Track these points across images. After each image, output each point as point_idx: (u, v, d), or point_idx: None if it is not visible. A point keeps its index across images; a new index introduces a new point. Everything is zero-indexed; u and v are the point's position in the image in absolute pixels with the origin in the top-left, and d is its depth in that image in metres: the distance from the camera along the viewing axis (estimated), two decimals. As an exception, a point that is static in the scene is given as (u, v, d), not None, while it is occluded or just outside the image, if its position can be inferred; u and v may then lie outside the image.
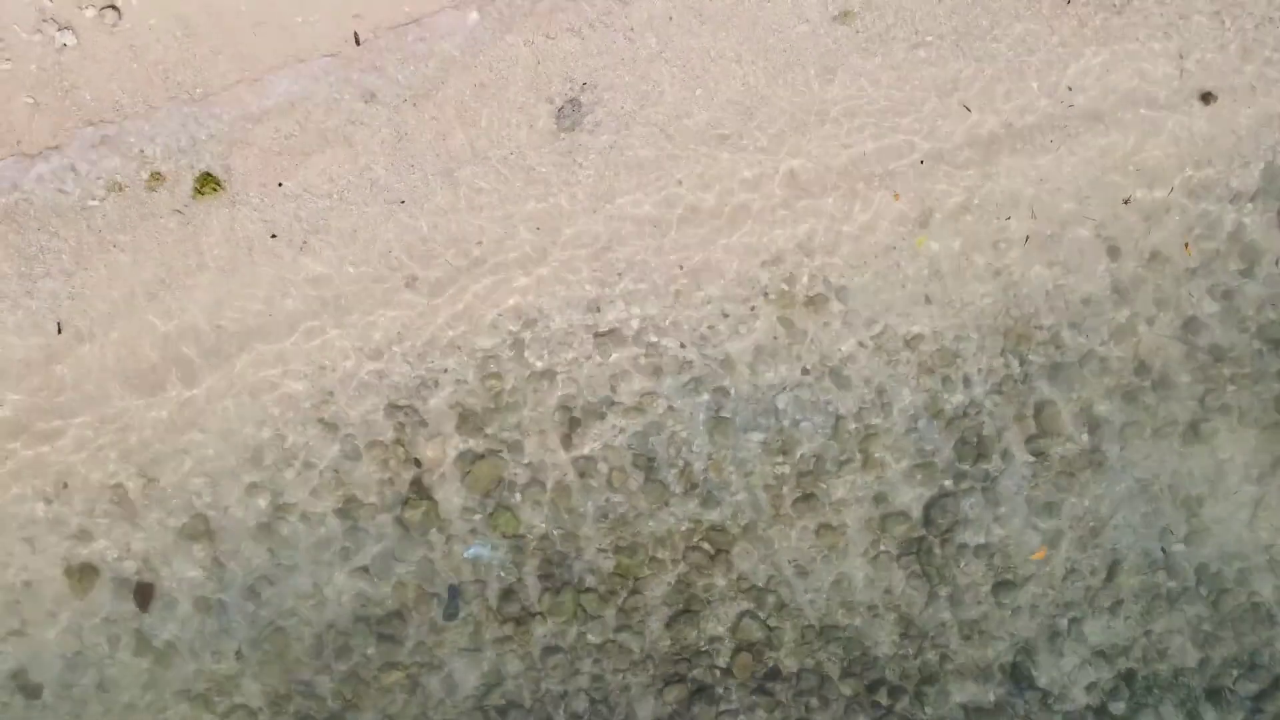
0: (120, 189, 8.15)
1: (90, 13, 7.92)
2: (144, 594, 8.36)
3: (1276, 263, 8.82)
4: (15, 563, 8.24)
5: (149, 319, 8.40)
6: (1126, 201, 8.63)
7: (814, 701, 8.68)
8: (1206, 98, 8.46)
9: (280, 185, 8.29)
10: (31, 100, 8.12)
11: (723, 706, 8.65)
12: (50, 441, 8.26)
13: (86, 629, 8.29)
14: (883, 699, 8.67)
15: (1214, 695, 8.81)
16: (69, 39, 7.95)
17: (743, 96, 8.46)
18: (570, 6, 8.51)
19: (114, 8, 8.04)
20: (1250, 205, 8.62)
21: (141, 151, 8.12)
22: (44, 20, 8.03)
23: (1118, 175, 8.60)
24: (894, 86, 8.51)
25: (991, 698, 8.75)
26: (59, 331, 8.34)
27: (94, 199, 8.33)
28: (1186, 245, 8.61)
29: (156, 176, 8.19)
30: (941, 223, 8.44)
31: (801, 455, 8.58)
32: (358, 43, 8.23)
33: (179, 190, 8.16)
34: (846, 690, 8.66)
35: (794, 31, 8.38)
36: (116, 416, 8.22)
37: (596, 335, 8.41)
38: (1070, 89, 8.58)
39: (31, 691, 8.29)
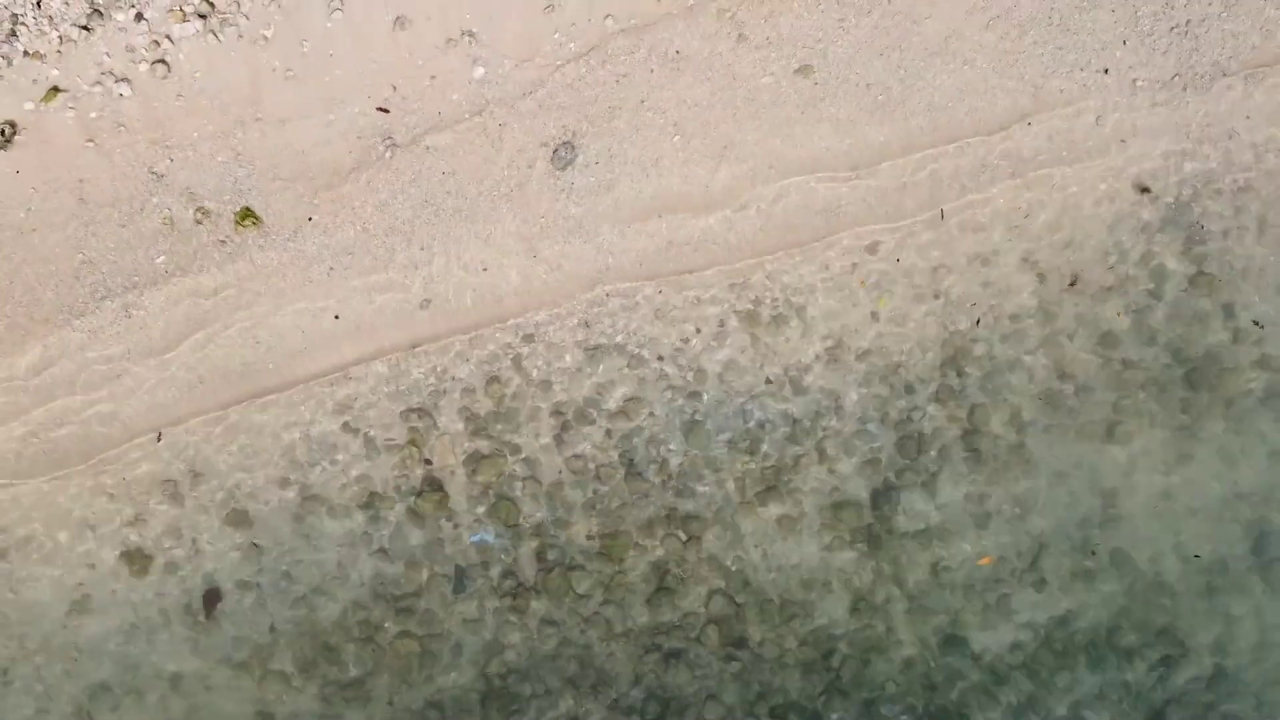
0: (171, 222, 8.83)
1: (144, 67, 8.64)
2: (210, 600, 9.10)
3: (1182, 289, 9.26)
4: (80, 547, 8.88)
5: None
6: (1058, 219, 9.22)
7: (774, 667, 9.30)
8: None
9: (310, 220, 9.02)
10: (92, 142, 8.79)
11: (695, 671, 9.27)
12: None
13: (140, 606, 8.89)
14: (835, 664, 9.30)
15: (1124, 659, 9.37)
16: (125, 90, 8.67)
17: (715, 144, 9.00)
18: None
19: (164, 62, 8.71)
20: (1160, 235, 9.21)
21: (189, 189, 8.81)
22: (103, 73, 8.73)
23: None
24: (846, 136, 8.96)
25: (931, 663, 9.33)
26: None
27: (150, 230, 8.90)
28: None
29: (203, 211, 8.85)
30: (889, 251, 9.00)
31: (765, 453, 9.23)
32: (385, 111, 8.80)
33: (222, 223, 8.83)
34: (803, 658, 9.30)
35: (759, 83, 8.99)
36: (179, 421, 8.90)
37: (586, 349, 9.02)
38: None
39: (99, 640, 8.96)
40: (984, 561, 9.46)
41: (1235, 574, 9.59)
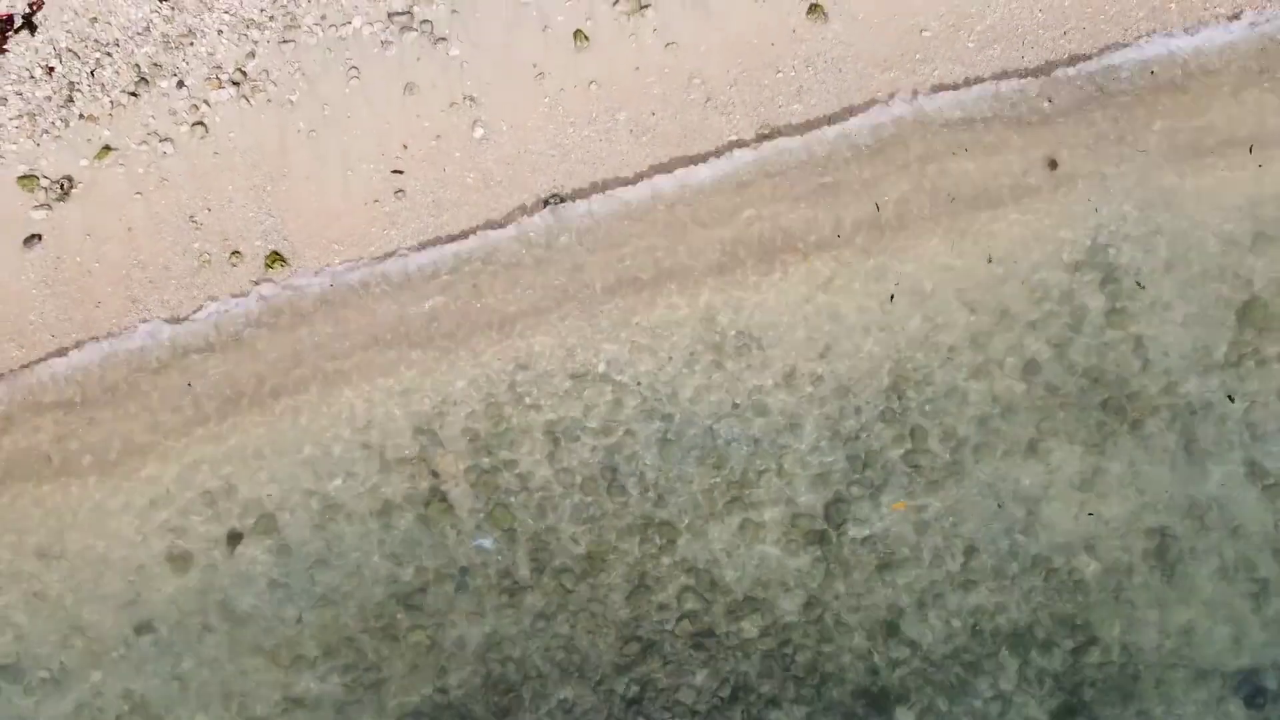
0: (210, 263, 9.23)
1: (185, 128, 9.11)
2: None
3: (1101, 327, 9.57)
4: (131, 551, 9.20)
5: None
6: (990, 260, 9.39)
7: (738, 654, 9.60)
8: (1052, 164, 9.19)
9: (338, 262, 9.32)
10: (140, 194, 9.17)
11: (667, 658, 9.58)
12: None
13: (183, 601, 9.23)
14: (790, 652, 9.57)
15: (1043, 648, 9.68)
16: (169, 148, 9.13)
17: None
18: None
19: (202, 124, 9.16)
20: (1081, 272, 9.55)
21: (224, 235, 9.23)
22: (149, 134, 9.17)
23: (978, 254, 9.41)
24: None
25: (875, 651, 9.62)
26: None
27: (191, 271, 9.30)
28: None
29: (236, 254, 9.31)
30: (840, 288, 9.33)
31: (730, 468, 9.56)
32: (399, 173, 9.13)
33: (253, 264, 9.28)
34: (763, 646, 9.60)
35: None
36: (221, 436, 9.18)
37: (572, 376, 9.42)
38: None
39: (145, 632, 9.14)
40: (897, 507, 9.61)
41: (1140, 575, 9.78)
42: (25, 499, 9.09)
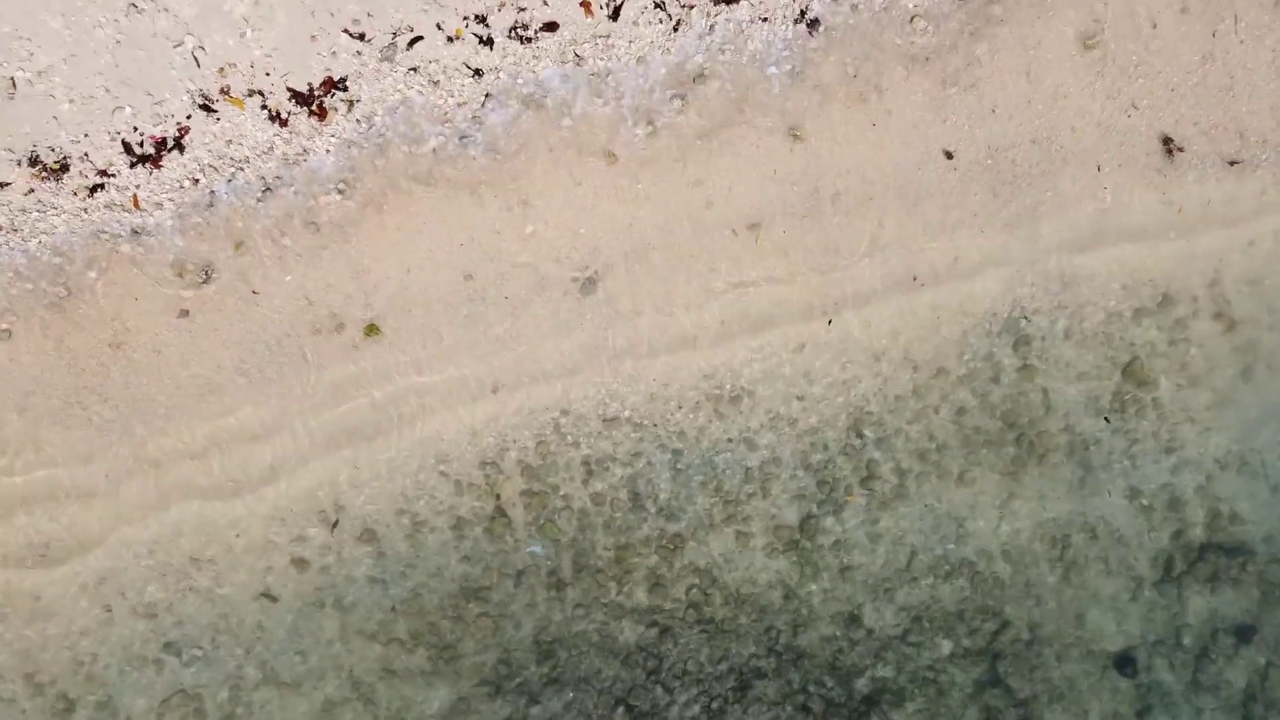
0: (319, 332, 9.81)
1: (299, 226, 9.50)
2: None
3: (1012, 376, 10.23)
4: (263, 555, 9.80)
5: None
6: (936, 327, 9.97)
7: (733, 636, 10.25)
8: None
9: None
10: (265, 278, 9.55)
11: (677, 639, 10.19)
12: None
13: (303, 594, 9.79)
14: (773, 635, 10.21)
15: (969, 631, 10.41)
16: (288, 242, 9.49)
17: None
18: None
19: (314, 224, 9.57)
20: (1000, 337, 10.25)
21: (331, 310, 9.81)
22: (273, 228, 9.51)
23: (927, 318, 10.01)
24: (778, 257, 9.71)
25: (839, 634, 10.34)
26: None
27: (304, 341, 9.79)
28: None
29: (340, 326, 9.89)
30: (813, 349, 9.99)
31: (727, 490, 10.13)
32: (468, 278, 9.52)
33: (355, 332, 9.73)
34: (752, 630, 10.22)
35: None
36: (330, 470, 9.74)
37: (604, 420, 9.98)
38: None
39: (273, 618, 9.54)
40: (849, 499, 10.00)
41: (1042, 573, 10.43)
42: (189, 516, 9.72)
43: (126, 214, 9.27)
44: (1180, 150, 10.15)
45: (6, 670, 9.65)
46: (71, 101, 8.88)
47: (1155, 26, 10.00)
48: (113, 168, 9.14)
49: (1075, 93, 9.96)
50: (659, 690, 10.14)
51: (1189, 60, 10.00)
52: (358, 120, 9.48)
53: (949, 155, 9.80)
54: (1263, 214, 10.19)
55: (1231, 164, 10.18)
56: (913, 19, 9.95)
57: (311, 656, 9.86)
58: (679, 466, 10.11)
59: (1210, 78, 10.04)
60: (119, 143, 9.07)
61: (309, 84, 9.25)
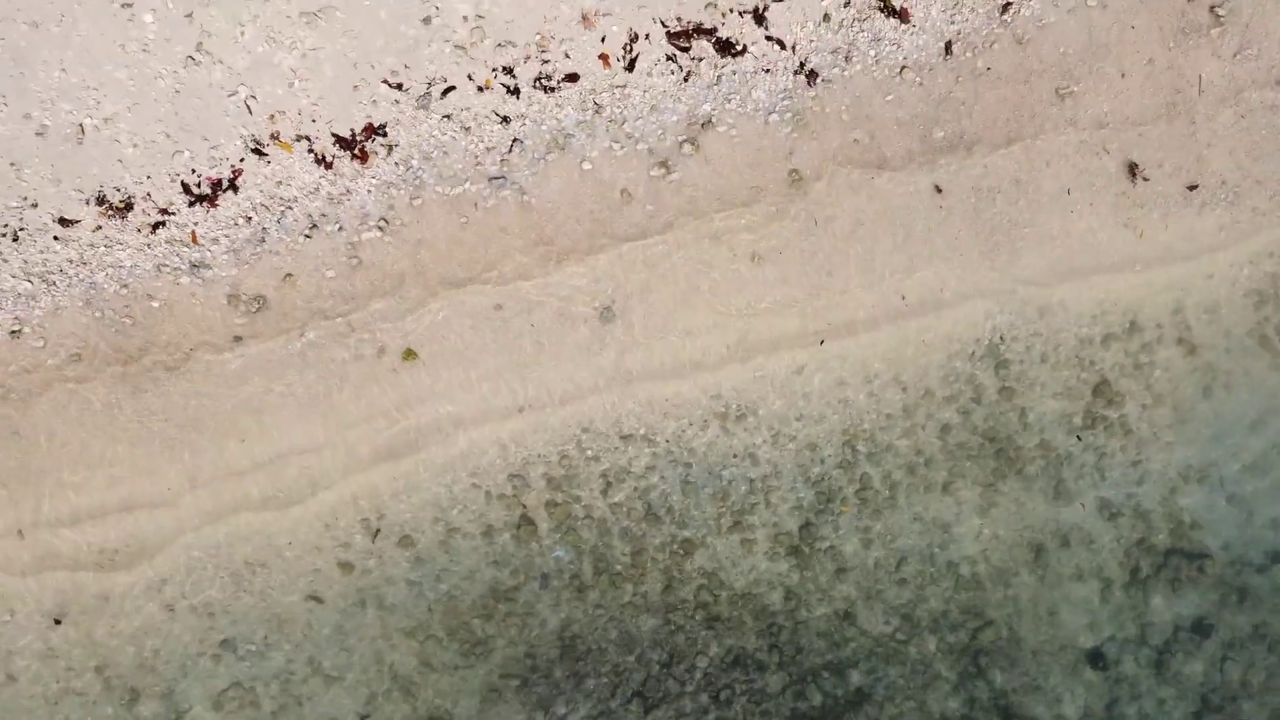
0: (361, 358, 10.06)
1: (342, 260, 9.83)
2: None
3: (993, 397, 10.44)
4: (311, 559, 10.03)
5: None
6: (922, 350, 10.13)
7: (738, 633, 10.52)
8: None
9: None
10: (310, 309, 9.82)
11: (689, 635, 10.47)
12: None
13: (348, 595, 10.08)
14: (774, 631, 10.40)
15: (952, 628, 10.62)
16: (331, 273, 9.77)
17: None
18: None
19: (358, 258, 9.91)
20: (981, 361, 10.44)
21: (375, 337, 10.04)
22: (319, 264, 9.79)
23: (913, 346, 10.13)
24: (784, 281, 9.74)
25: (834, 631, 10.59)
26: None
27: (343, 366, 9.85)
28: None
29: (382, 350, 10.14)
30: (810, 372, 10.12)
31: (732, 501, 10.32)
32: (498, 308, 9.72)
33: (394, 357, 9.97)
34: (755, 626, 10.44)
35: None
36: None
37: (621, 436, 10.20)
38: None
39: (320, 617, 9.63)
40: (845, 509, 10.15)
41: (1021, 575, 10.69)
42: (243, 525, 10.02)
43: (185, 249, 9.56)
44: (1145, 179, 10.34)
45: (78, 665, 9.94)
46: (135, 146, 9.21)
47: (1124, 76, 10.27)
48: (173, 206, 9.41)
49: (1051, 136, 10.25)
50: (671, 681, 10.43)
51: (1155, 107, 10.29)
52: (396, 163, 9.71)
53: (938, 190, 10.03)
54: (1220, 249, 10.44)
55: (1192, 199, 10.45)
56: (902, 69, 10.36)
57: (355, 652, 10.10)
58: (689, 479, 10.31)
59: (1175, 124, 10.33)
60: (178, 184, 9.35)
61: (351, 130, 9.51)
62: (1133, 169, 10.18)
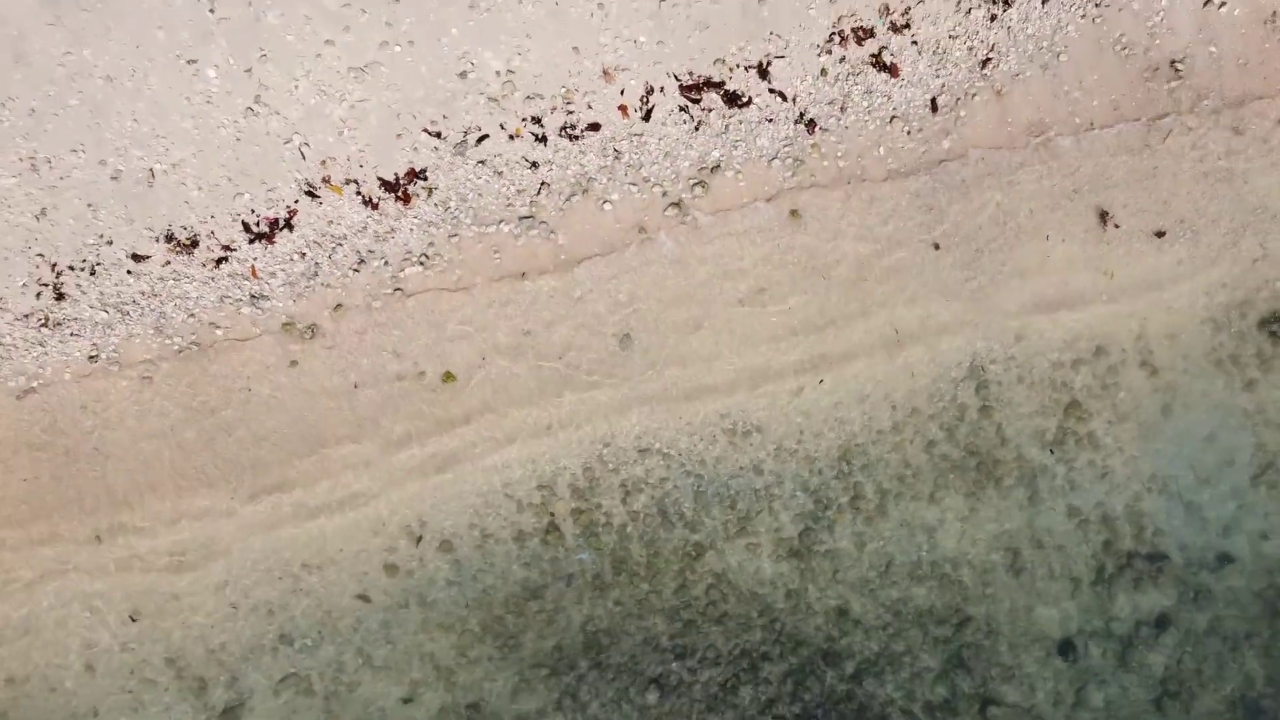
0: (402, 378, 10.31)
1: (387, 292, 10.16)
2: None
3: (974, 415, 10.76)
4: (359, 561, 10.45)
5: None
6: (911, 375, 10.27)
7: (744, 628, 10.87)
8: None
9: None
10: (359, 336, 10.15)
11: (699, 630, 10.83)
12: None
13: (393, 594, 10.31)
14: (776, 626, 10.67)
15: (937, 623, 10.97)
16: (377, 304, 10.13)
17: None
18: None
19: (400, 289, 10.17)
20: (963, 383, 10.70)
21: (415, 362, 10.34)
22: (367, 295, 10.09)
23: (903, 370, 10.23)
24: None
25: (831, 625, 10.97)
26: None
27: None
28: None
29: (422, 374, 10.44)
30: (810, 394, 10.24)
31: (739, 508, 10.59)
32: (527, 334, 9.84)
33: (435, 379, 10.46)
34: (759, 621, 10.71)
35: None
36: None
37: (639, 450, 10.46)
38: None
39: (368, 614, 9.93)
40: (839, 517, 10.04)
41: (999, 576, 11.06)
42: (299, 531, 10.32)
43: (246, 281, 9.88)
44: (1117, 226, 10.79)
45: (152, 657, 10.28)
46: (200, 189, 9.48)
47: (1092, 126, 10.82)
48: (234, 244, 9.72)
49: (1028, 179, 10.55)
50: (684, 671, 10.76)
51: (1124, 153, 10.59)
52: (436, 204, 10.00)
53: (936, 246, 10.38)
54: (1179, 280, 10.77)
55: (1156, 238, 10.77)
56: (892, 119, 10.83)
57: (399, 644, 10.45)
58: (700, 489, 10.62)
59: (1140, 168, 10.64)
60: (239, 223, 9.65)
61: (395, 174, 9.78)
62: (1103, 216, 10.49)
